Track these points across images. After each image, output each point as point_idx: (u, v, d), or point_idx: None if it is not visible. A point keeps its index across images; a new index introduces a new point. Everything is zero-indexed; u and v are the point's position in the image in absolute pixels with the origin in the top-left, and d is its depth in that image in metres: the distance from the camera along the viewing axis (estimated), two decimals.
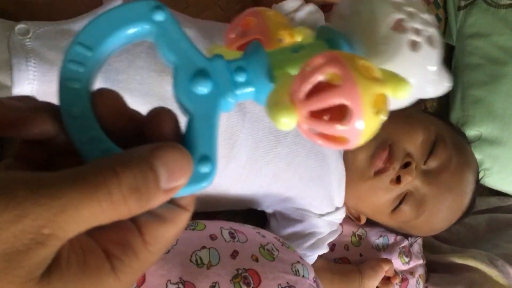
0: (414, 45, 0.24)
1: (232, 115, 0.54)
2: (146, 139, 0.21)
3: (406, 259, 0.77)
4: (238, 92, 0.22)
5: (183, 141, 0.21)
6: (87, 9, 0.49)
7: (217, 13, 0.72)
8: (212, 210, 0.66)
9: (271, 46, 0.26)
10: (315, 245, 0.66)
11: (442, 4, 1.00)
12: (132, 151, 0.19)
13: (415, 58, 0.24)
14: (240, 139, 0.56)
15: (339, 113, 0.21)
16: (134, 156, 0.18)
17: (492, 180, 0.92)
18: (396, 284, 0.73)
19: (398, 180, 0.62)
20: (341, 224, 0.71)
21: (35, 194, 0.16)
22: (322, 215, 0.66)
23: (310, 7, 0.63)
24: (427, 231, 0.74)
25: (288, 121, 0.21)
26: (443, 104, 0.99)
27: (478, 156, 0.82)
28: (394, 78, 0.22)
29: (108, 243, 0.19)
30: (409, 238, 0.79)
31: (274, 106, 0.21)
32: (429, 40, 0.24)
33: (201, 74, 0.21)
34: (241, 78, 0.22)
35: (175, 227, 0.21)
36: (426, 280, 0.79)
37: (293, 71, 0.23)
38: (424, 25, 0.24)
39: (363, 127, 0.20)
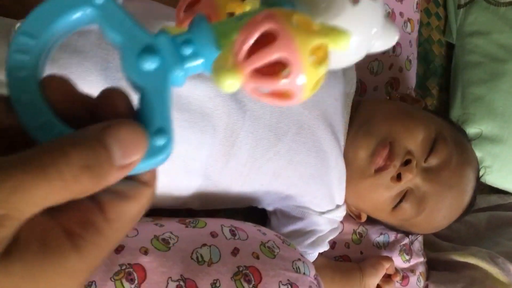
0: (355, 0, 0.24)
1: (232, 113, 0.55)
2: (100, 120, 0.21)
3: (407, 257, 0.77)
4: (187, 65, 0.22)
5: (137, 117, 0.21)
6: None
7: None
8: (212, 208, 0.66)
9: (219, 17, 0.26)
10: (315, 242, 0.66)
11: (442, 3, 1.00)
12: (83, 130, 0.19)
13: (357, 13, 0.24)
14: (240, 137, 0.56)
15: (282, 69, 0.21)
16: (84, 134, 0.19)
17: (493, 178, 0.92)
18: (397, 281, 0.73)
19: (398, 177, 0.62)
20: (341, 222, 0.71)
21: None
22: (323, 212, 0.66)
23: None
24: (427, 229, 0.74)
25: (232, 82, 0.21)
26: (444, 102, 0.99)
27: (478, 154, 0.82)
28: (333, 30, 0.22)
29: (69, 222, 0.19)
30: (410, 236, 0.79)
31: (218, 70, 0.21)
32: None
33: (147, 50, 0.22)
34: (188, 50, 0.22)
35: (137, 203, 0.21)
36: (427, 278, 0.79)
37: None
38: None
39: (304, 79, 0.21)
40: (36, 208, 0.18)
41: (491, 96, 0.90)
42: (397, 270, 0.73)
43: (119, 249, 0.47)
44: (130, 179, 0.20)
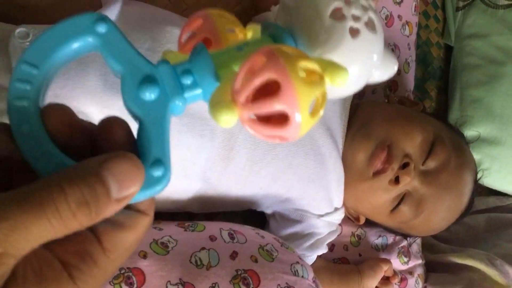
0: (354, 33, 0.24)
1: None
2: (100, 149, 0.21)
3: (405, 259, 0.77)
4: (186, 94, 0.23)
5: (136, 147, 0.22)
6: None
7: None
8: (211, 211, 0.66)
9: (220, 45, 0.26)
10: (314, 245, 0.66)
11: (441, 5, 1.00)
12: (80, 165, 0.19)
13: (356, 45, 0.24)
14: (239, 141, 0.56)
15: (279, 114, 0.21)
16: (81, 170, 0.19)
17: (491, 180, 0.92)
18: (395, 284, 0.73)
19: (396, 180, 0.62)
20: (340, 224, 0.72)
21: None
22: (321, 215, 0.66)
23: None
24: (426, 231, 0.74)
25: (229, 119, 0.21)
26: (442, 104, 0.99)
27: (476, 156, 0.82)
28: (331, 67, 0.22)
29: (66, 253, 0.19)
30: (408, 238, 0.79)
31: (215, 104, 0.21)
32: (369, 25, 0.24)
33: (147, 80, 0.22)
34: (187, 80, 0.23)
35: (134, 233, 0.21)
36: (425, 280, 0.80)
37: (237, 69, 0.23)
38: (363, 10, 0.24)
39: (300, 130, 0.22)
40: (34, 245, 0.18)
41: (489, 98, 0.90)
42: (395, 272, 0.73)
43: None
44: (127, 208, 0.21)
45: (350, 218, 0.74)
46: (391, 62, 0.27)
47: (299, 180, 0.62)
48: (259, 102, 0.21)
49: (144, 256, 0.48)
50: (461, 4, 0.97)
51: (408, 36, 0.84)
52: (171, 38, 0.51)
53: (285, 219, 0.67)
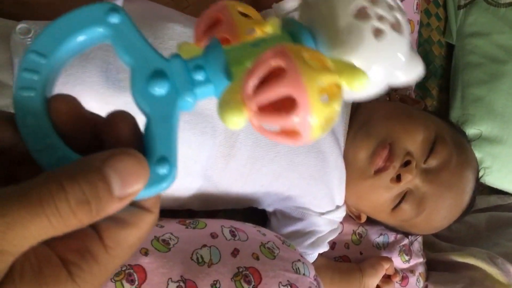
0: (378, 33, 0.22)
1: None
2: (105, 142, 0.21)
3: (407, 257, 0.77)
4: (197, 91, 0.22)
5: (142, 142, 0.21)
6: None
7: None
8: (213, 209, 0.66)
9: (238, 40, 0.25)
10: (315, 243, 0.66)
11: (442, 3, 1.00)
12: (82, 161, 0.19)
13: (380, 47, 0.22)
14: (240, 138, 0.56)
15: (290, 107, 0.20)
16: (83, 166, 0.18)
17: (492, 179, 0.92)
18: (397, 282, 0.73)
19: (398, 178, 0.62)
20: (341, 222, 0.72)
21: None
22: (323, 213, 0.66)
23: None
24: (427, 230, 0.74)
25: (237, 120, 0.20)
26: (443, 102, 0.99)
27: (478, 154, 0.82)
28: (349, 69, 0.21)
29: (66, 250, 0.19)
30: (409, 237, 0.79)
31: (224, 104, 0.21)
32: (395, 26, 0.23)
33: (157, 74, 0.21)
34: (199, 76, 0.22)
35: (138, 230, 0.20)
36: (427, 278, 0.80)
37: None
38: (389, 10, 0.23)
39: (312, 117, 0.20)
40: (33, 243, 0.17)
41: (490, 97, 0.90)
42: (396, 271, 0.73)
43: None
44: (131, 205, 0.20)
45: (351, 216, 0.74)
46: (416, 64, 0.25)
47: (301, 178, 0.62)
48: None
49: (146, 253, 0.48)
50: (462, 2, 0.97)
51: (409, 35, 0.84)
52: (173, 35, 0.51)
53: (287, 217, 0.67)
